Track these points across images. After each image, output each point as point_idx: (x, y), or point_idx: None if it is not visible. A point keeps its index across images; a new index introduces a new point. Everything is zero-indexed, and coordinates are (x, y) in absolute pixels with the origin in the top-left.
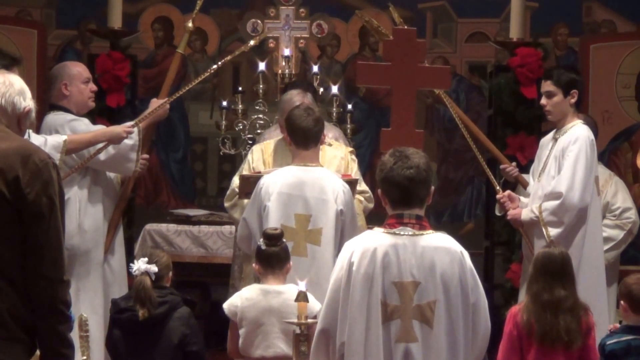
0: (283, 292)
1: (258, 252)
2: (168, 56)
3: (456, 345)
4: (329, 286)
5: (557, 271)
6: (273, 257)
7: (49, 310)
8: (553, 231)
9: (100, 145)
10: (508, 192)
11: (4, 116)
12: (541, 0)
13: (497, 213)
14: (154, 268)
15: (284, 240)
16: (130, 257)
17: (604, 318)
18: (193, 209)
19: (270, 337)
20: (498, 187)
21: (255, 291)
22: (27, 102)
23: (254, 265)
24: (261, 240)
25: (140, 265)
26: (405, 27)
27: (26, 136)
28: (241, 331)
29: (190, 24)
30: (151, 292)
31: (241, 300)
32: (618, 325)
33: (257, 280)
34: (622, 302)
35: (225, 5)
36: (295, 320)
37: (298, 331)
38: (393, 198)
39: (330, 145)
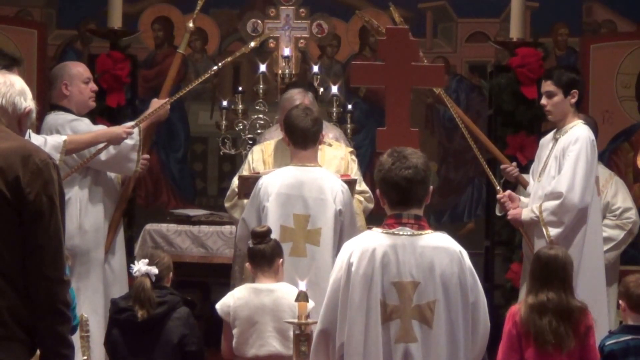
0: (275, 290)
1: (248, 251)
2: (168, 56)
3: (456, 345)
4: (328, 286)
5: (544, 274)
6: (258, 254)
7: (48, 310)
8: (553, 231)
9: (101, 145)
10: (508, 192)
11: (4, 116)
12: (541, 0)
13: (498, 213)
14: (154, 270)
15: (272, 237)
16: (130, 257)
17: (604, 318)
18: (193, 209)
19: (264, 335)
20: (498, 187)
21: (247, 290)
22: (28, 102)
23: (247, 265)
24: (250, 239)
25: (140, 266)
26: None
27: (26, 136)
28: (235, 331)
29: (191, 24)
30: (151, 294)
31: (233, 299)
32: None
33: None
34: (621, 301)
35: (225, 5)
36: (292, 319)
37: (298, 331)
38: (391, 198)
39: (330, 145)
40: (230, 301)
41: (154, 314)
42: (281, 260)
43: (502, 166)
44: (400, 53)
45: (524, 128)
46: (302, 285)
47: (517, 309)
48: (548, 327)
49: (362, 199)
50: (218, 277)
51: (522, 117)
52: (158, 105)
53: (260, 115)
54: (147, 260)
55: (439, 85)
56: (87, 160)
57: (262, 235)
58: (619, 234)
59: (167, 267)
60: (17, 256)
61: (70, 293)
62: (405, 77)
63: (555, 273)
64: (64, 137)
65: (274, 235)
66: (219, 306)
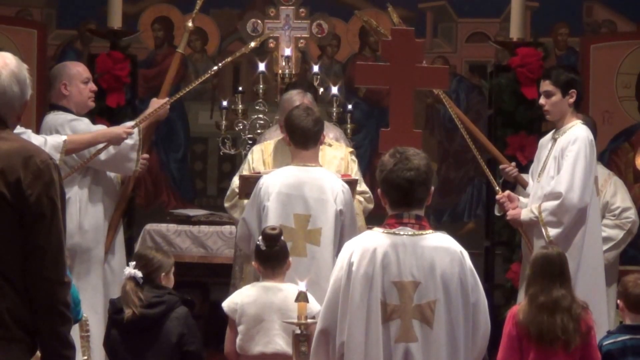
0: (283, 289)
1: (258, 252)
2: (168, 56)
3: (456, 345)
4: (328, 286)
5: (556, 272)
6: (273, 257)
7: (49, 312)
8: (552, 231)
9: (101, 145)
10: (507, 192)
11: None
12: (541, 0)
13: (497, 213)
14: (138, 273)
15: (283, 238)
16: (130, 258)
17: (603, 318)
18: (193, 209)
19: (270, 333)
20: (497, 188)
21: (255, 288)
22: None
23: (253, 263)
24: (260, 240)
25: (126, 269)
26: (404, 27)
27: (26, 136)
28: (240, 328)
29: (190, 24)
30: (132, 295)
31: (241, 297)
32: None
33: (257, 279)
34: (619, 301)
35: (225, 5)
36: (295, 320)
37: (298, 331)
38: (393, 199)
39: (330, 145)
40: (238, 299)
41: (152, 314)
42: (290, 258)
43: (501, 166)
44: (405, 54)
45: (524, 128)
46: (302, 286)
47: (518, 310)
48: (560, 325)
49: (362, 199)
50: (218, 277)
51: (522, 117)
52: (157, 105)
53: (260, 115)
54: (134, 263)
55: (442, 88)
56: (87, 161)
57: (275, 239)
58: (618, 234)
59: (159, 267)
60: (17, 257)
61: (73, 290)
62: (410, 78)
63: (565, 270)
64: (64, 137)
65: None
66: (225, 304)
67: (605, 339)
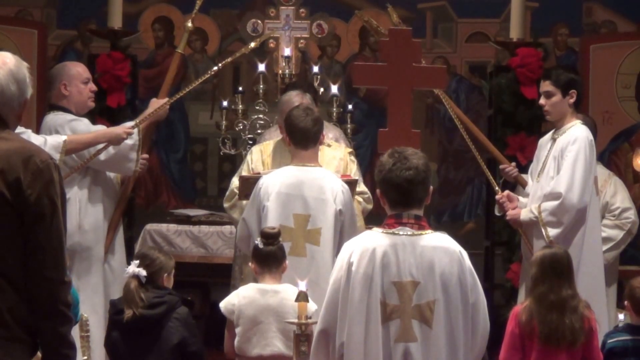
0: (280, 291)
1: (255, 251)
2: (168, 56)
3: (455, 344)
4: (328, 286)
5: (564, 271)
6: (270, 256)
7: (50, 312)
8: (552, 231)
9: (101, 145)
10: (507, 192)
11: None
12: (541, 0)
13: (497, 213)
14: (142, 272)
15: (281, 239)
16: (130, 258)
17: (603, 318)
18: (193, 209)
19: (268, 335)
20: (497, 188)
21: (253, 290)
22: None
23: (250, 264)
24: (258, 239)
25: (130, 267)
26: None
27: (26, 136)
28: (238, 330)
29: (189, 24)
30: (135, 295)
31: (238, 298)
32: None
33: (256, 280)
34: (626, 302)
35: (225, 5)
36: (294, 320)
37: (298, 331)
38: (392, 199)
39: (329, 146)
40: (235, 300)
41: (153, 315)
42: (287, 261)
43: (501, 166)
44: (402, 54)
45: (524, 128)
46: (302, 285)
47: (522, 309)
48: (569, 324)
49: (360, 199)
50: (218, 277)
51: (522, 117)
52: (157, 105)
53: (260, 115)
54: (137, 262)
55: (440, 87)
56: (87, 161)
57: (273, 237)
58: (618, 234)
59: (161, 268)
60: (18, 257)
61: (73, 291)
62: (407, 78)
63: (572, 270)
64: (64, 137)
65: None
66: (223, 305)
67: (610, 336)
